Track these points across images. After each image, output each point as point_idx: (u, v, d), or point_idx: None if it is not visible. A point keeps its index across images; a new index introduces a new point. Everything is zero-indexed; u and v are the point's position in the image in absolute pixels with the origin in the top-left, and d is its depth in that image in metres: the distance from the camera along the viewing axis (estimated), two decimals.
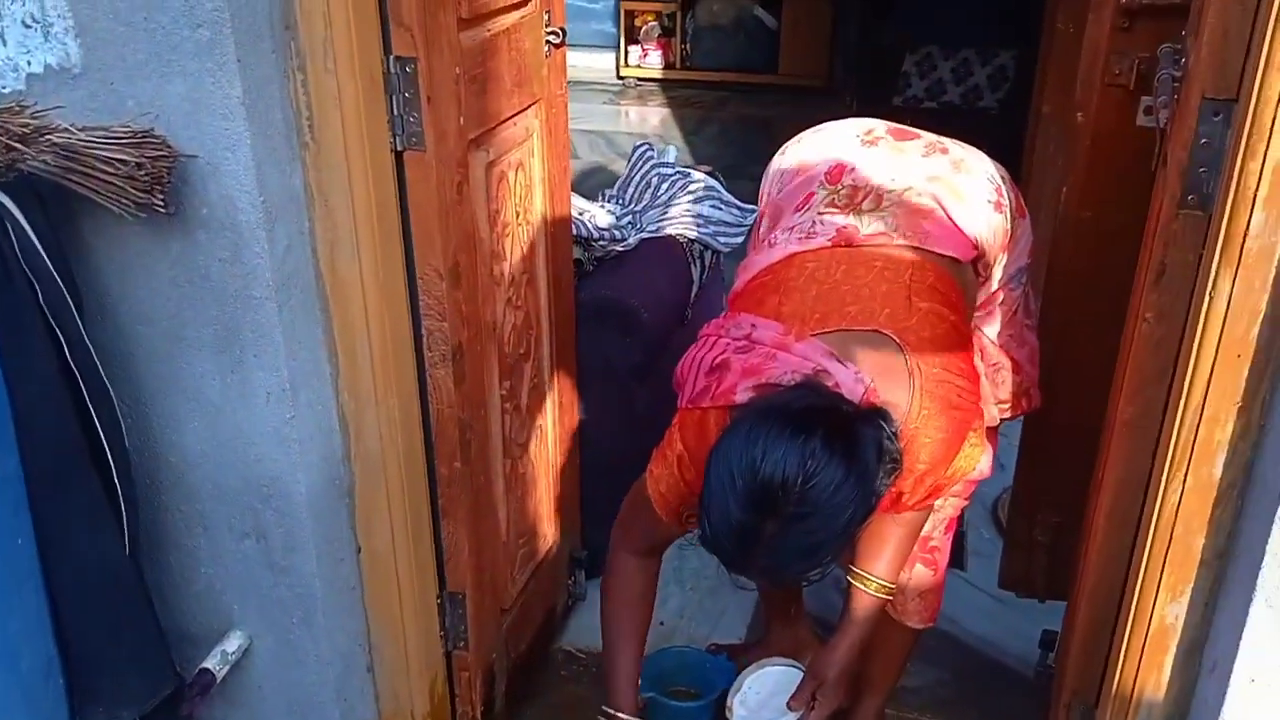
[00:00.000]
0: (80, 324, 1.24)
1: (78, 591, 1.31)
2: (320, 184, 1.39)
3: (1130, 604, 1.35)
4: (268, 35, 1.27)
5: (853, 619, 1.66)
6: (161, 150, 1.21)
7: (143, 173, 1.19)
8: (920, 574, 1.81)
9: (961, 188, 1.61)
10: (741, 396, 1.38)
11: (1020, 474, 2.14)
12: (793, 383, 1.35)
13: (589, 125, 5.13)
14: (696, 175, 3.01)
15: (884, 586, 1.64)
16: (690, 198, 2.89)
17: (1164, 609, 1.30)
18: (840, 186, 1.62)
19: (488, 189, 1.71)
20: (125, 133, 1.21)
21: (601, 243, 2.50)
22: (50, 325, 1.21)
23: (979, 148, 1.74)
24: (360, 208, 1.43)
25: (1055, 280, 1.99)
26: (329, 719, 1.61)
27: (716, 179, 3.06)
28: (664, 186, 2.93)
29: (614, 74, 5.92)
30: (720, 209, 2.89)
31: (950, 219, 1.57)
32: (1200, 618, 1.29)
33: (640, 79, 5.93)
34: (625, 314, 2.31)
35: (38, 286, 1.19)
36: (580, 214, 2.48)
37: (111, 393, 1.29)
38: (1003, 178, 1.67)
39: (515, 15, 1.75)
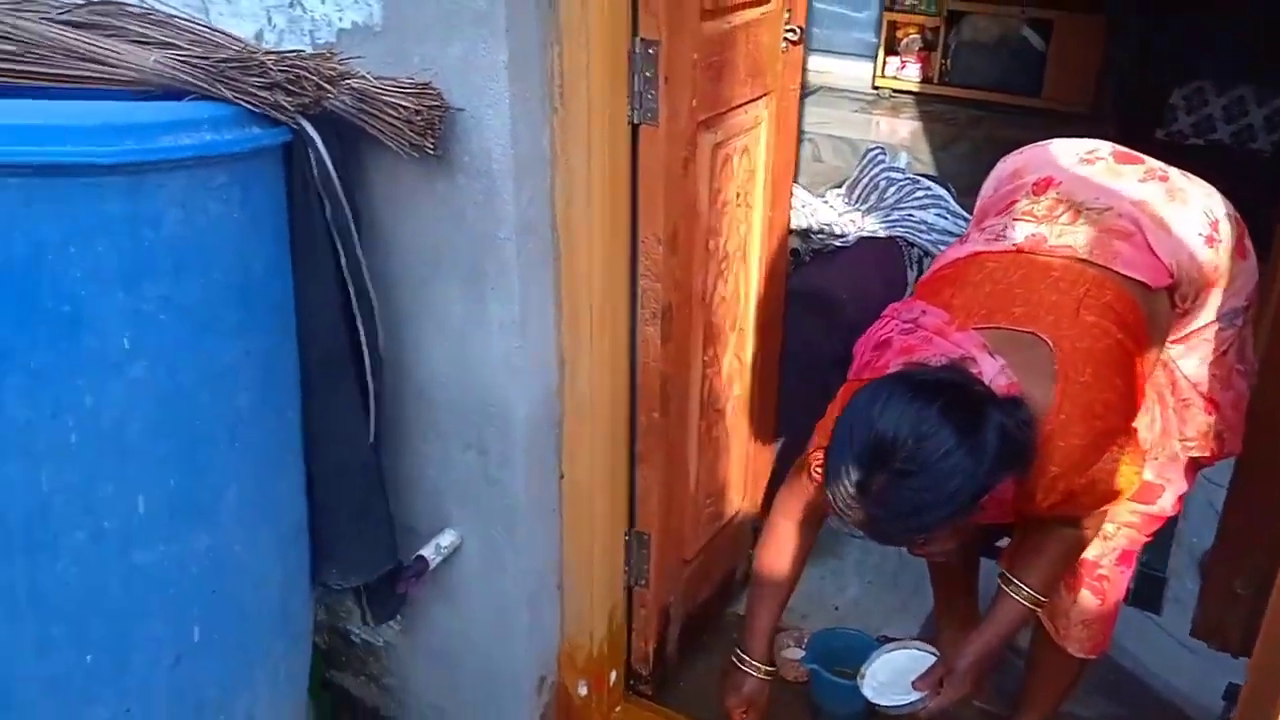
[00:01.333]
0: (357, 243, 1.48)
1: (329, 469, 1.55)
2: (564, 146, 1.58)
3: None
4: (533, 10, 1.47)
5: (993, 619, 1.69)
6: (437, 101, 1.43)
7: (420, 118, 1.42)
8: (1086, 600, 1.81)
9: (1170, 217, 1.61)
10: (895, 370, 1.47)
11: (1225, 521, 2.08)
12: (938, 364, 1.43)
13: (837, 131, 5.18)
14: (925, 183, 3.06)
15: (1032, 596, 1.65)
16: (916, 204, 2.95)
17: None
18: (1043, 198, 1.66)
19: (712, 168, 1.86)
20: (409, 84, 1.43)
21: (820, 236, 2.61)
22: (333, 241, 1.45)
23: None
24: (596, 171, 1.61)
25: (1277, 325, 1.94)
26: (519, 623, 1.81)
27: (947, 189, 3.10)
28: (891, 190, 3.00)
29: (869, 84, 5.94)
30: (945, 218, 2.93)
31: (1149, 244, 1.58)
32: None
33: (895, 90, 5.91)
34: (832, 305, 2.41)
35: (327, 206, 1.43)
36: (803, 206, 2.59)
37: (375, 304, 1.52)
38: (1226, 215, 1.66)
39: (756, 11, 1.89)
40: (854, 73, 6.00)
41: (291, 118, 1.35)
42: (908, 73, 5.91)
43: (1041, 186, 1.69)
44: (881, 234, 2.75)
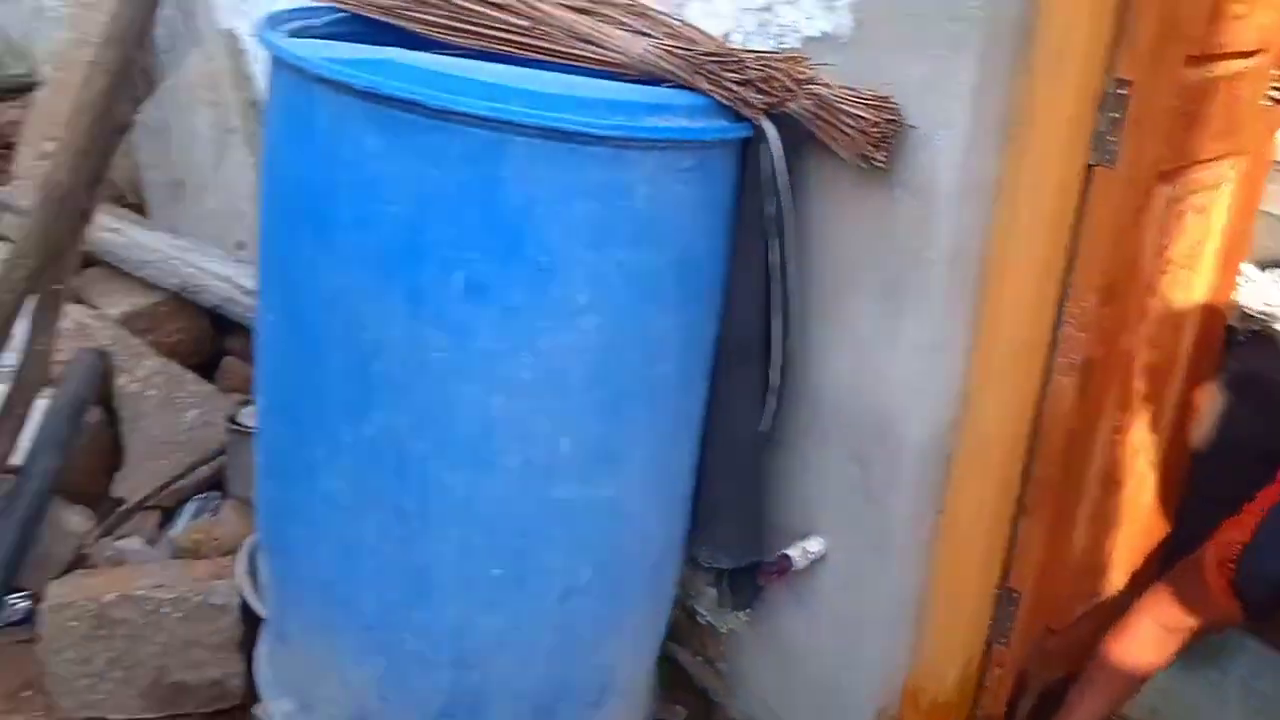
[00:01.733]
0: (791, 241, 1.53)
1: (720, 450, 1.62)
2: (1012, 177, 1.54)
3: None
4: (1008, 38, 1.45)
5: None
6: (895, 116, 1.46)
7: (875, 131, 1.44)
8: None
9: None
10: None
11: None
12: None
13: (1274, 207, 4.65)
14: None
15: None
16: None
17: None
18: None
19: (1163, 223, 1.74)
20: (869, 96, 1.47)
21: (1262, 316, 2.35)
22: (768, 234, 1.52)
23: None
24: (1041, 207, 1.56)
25: None
26: (869, 648, 1.79)
27: None
28: None
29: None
30: None
31: None
32: None
33: None
34: (1267, 393, 2.16)
35: (771, 202, 1.49)
36: (1245, 280, 2.35)
37: (792, 302, 1.58)
38: None
39: (1242, 63, 1.75)
40: None
41: (756, 114, 1.43)
42: None
43: None
44: None
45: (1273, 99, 1.87)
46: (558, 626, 1.47)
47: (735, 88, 1.40)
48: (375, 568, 1.42)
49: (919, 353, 1.59)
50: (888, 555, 1.72)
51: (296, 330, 1.42)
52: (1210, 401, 2.15)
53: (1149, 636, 1.70)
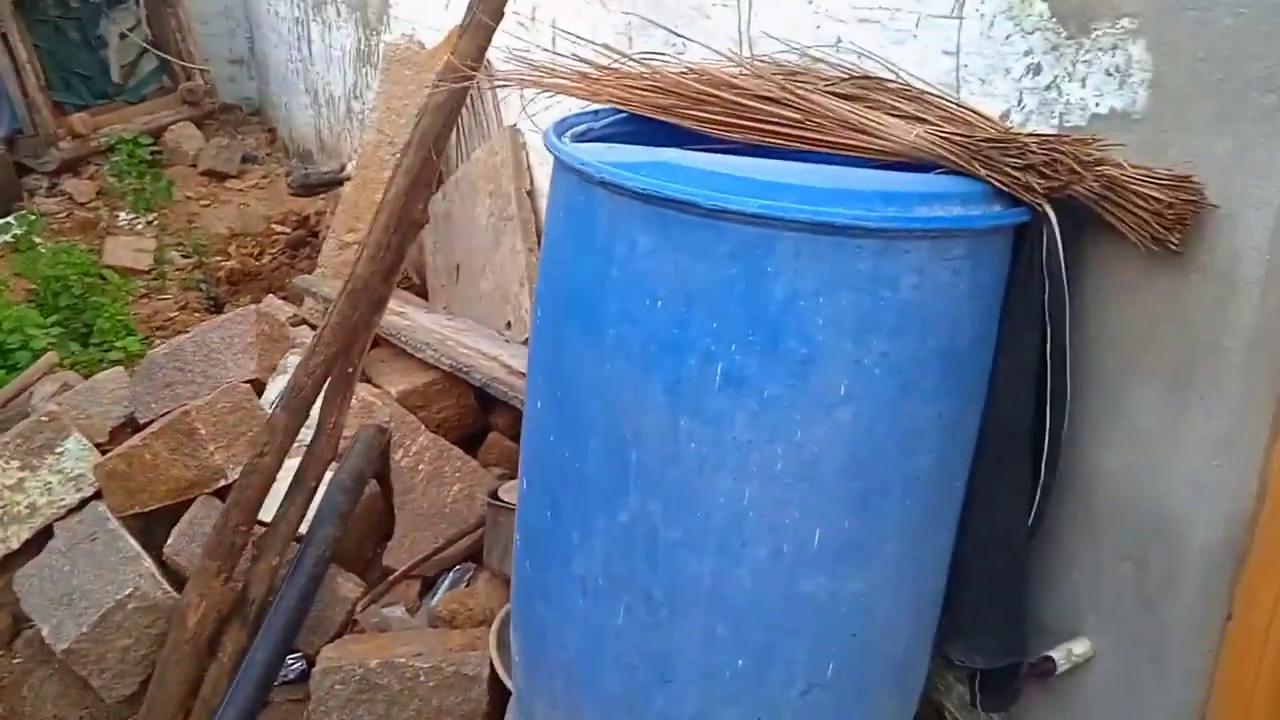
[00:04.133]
0: (1066, 329, 1.43)
1: (980, 543, 1.54)
2: None
3: None
4: None
5: None
6: (1195, 196, 1.33)
7: (1171, 212, 1.33)
8: None
9: None
10: None
11: None
12: None
13: None
14: None
15: None
16: None
17: None
18: None
19: None
20: (1165, 175, 1.35)
21: None
22: (1044, 320, 1.42)
23: None
24: None
25: None
26: None
27: None
28: None
29: None
30: None
31: None
32: None
33: None
34: None
35: (1047, 287, 1.40)
36: None
37: (1069, 392, 1.47)
38: None
39: None
40: None
41: (1037, 199, 1.34)
42: None
43: None
44: None
45: None
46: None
47: (1015, 173, 1.33)
48: (620, 651, 1.44)
49: (1208, 446, 1.45)
50: (1164, 663, 1.57)
51: (560, 417, 1.46)
52: None
53: None
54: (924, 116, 1.47)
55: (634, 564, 1.39)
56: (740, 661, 1.40)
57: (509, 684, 1.81)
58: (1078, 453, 1.60)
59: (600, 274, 1.37)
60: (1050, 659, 1.63)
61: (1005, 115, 1.61)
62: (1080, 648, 1.65)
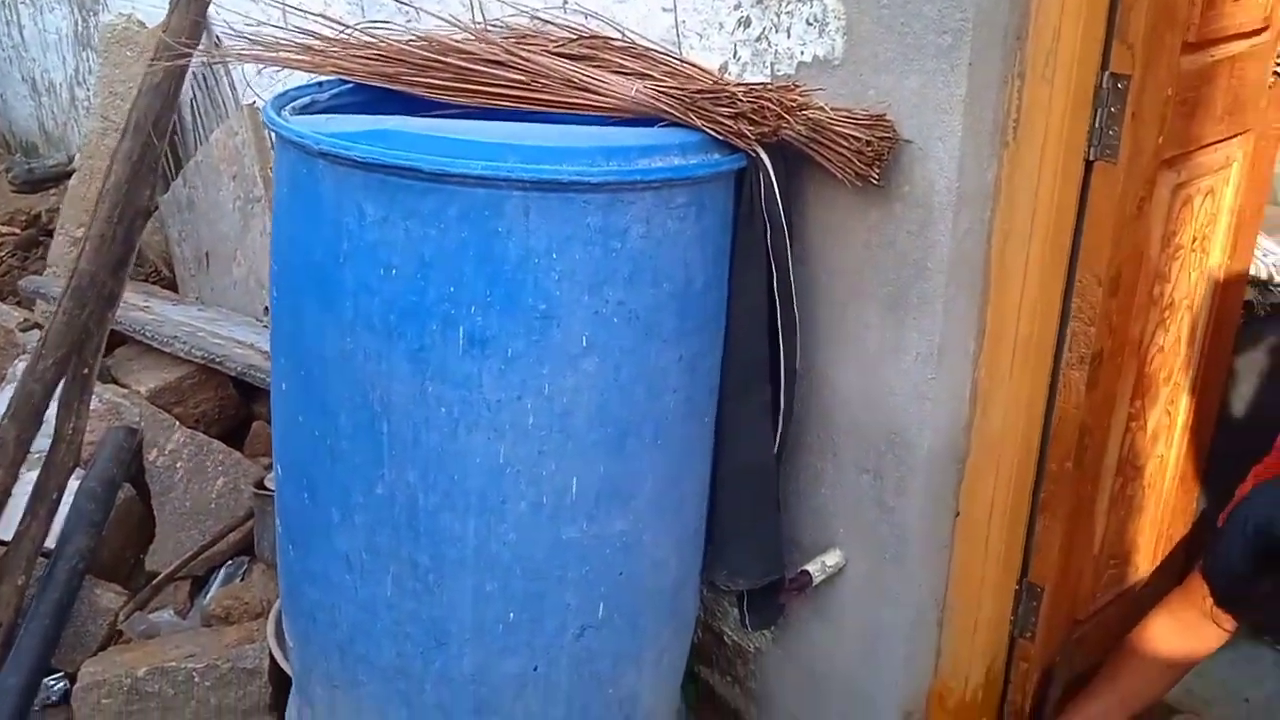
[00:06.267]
0: (789, 264, 1.53)
1: (732, 473, 1.62)
2: (1010, 180, 1.52)
3: None
4: (999, 44, 1.43)
5: None
6: (889, 133, 1.44)
7: (870, 149, 1.43)
8: None
9: None
10: None
11: None
12: None
13: None
14: None
15: None
16: None
17: None
18: None
19: (1169, 210, 1.72)
20: (863, 115, 1.45)
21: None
22: (769, 259, 1.51)
23: None
24: (1041, 207, 1.54)
25: None
26: (893, 653, 1.79)
27: None
28: None
29: None
30: None
31: None
32: None
33: None
34: None
35: (769, 228, 1.49)
36: (1265, 255, 2.32)
37: (798, 323, 1.57)
38: None
39: (1245, 43, 1.72)
40: None
41: (750, 145, 1.42)
42: None
43: None
44: None
45: (1278, 75, 1.83)
46: (576, 665, 1.48)
47: (727, 121, 1.39)
48: (393, 622, 1.44)
49: (924, 360, 1.58)
50: (905, 562, 1.72)
51: (307, 396, 1.44)
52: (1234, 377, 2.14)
53: (1175, 625, 1.71)
54: (648, 73, 1.52)
55: (397, 534, 1.40)
56: (512, 614, 1.43)
57: (289, 671, 1.78)
58: (815, 378, 1.71)
59: (332, 247, 1.35)
60: (807, 573, 1.74)
61: (723, 68, 1.67)
62: (833, 558, 1.77)
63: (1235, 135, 1.81)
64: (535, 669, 1.46)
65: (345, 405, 1.38)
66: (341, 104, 1.60)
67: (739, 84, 1.43)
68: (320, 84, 1.64)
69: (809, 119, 1.44)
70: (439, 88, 1.55)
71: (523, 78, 1.49)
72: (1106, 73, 1.52)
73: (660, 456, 1.48)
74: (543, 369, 1.33)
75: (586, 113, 1.47)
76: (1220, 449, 2.16)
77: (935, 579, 1.78)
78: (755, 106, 1.39)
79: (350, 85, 1.63)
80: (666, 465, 1.49)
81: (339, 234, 1.34)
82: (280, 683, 1.91)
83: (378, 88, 1.59)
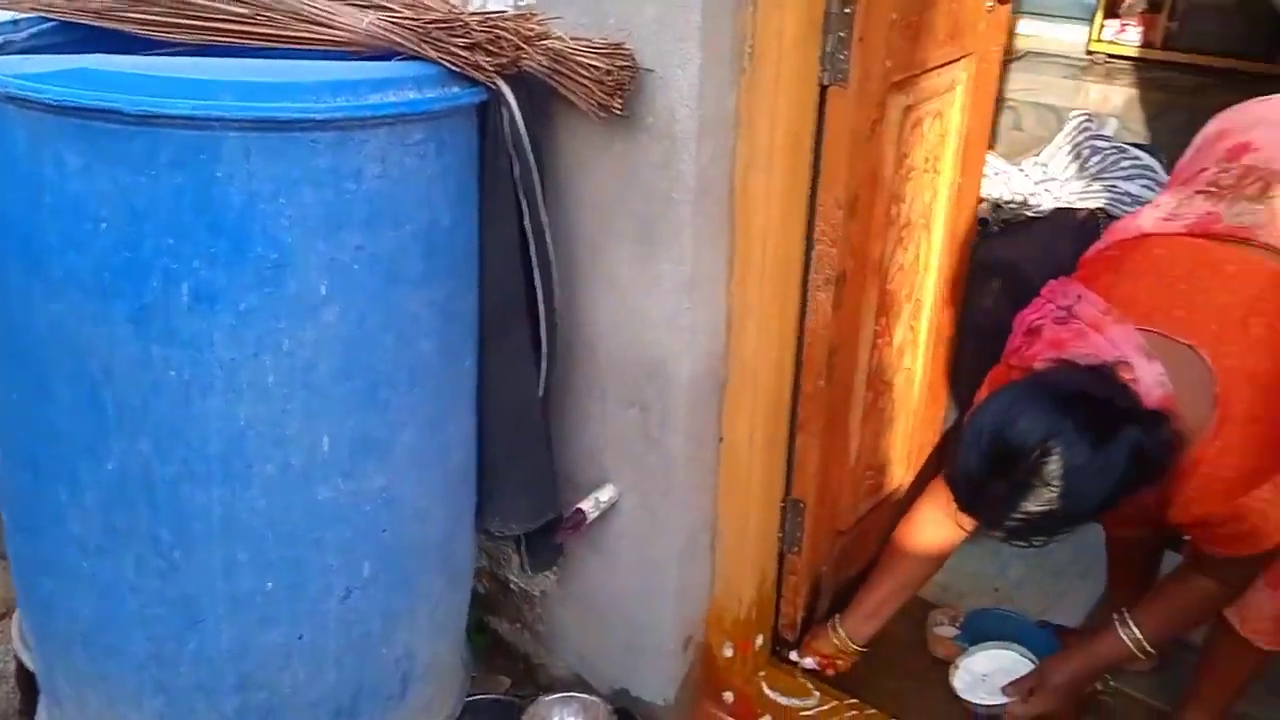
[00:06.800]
0: (540, 201, 1.50)
1: (498, 417, 1.60)
2: (749, 107, 1.55)
3: None
4: None
5: (1094, 648, 1.71)
6: (628, 61, 1.43)
7: (610, 79, 1.41)
8: None
9: None
10: (1039, 366, 1.41)
11: None
12: (1086, 365, 1.36)
13: (1042, 98, 4.93)
14: (1134, 152, 2.87)
15: (1139, 643, 1.65)
16: (1121, 174, 2.77)
17: None
18: (1234, 166, 1.54)
19: (900, 132, 1.79)
20: (602, 44, 1.43)
21: (1012, 205, 2.49)
22: (518, 197, 1.47)
23: None
24: (779, 133, 1.58)
25: None
26: (668, 579, 1.83)
27: (1159, 159, 2.89)
28: (1095, 159, 2.82)
29: (1083, 48, 5.60)
30: (1152, 189, 2.74)
31: None
32: None
33: (1111, 55, 5.54)
34: (1018, 279, 2.30)
35: (515, 163, 1.45)
36: (996, 174, 2.48)
37: (553, 260, 1.54)
38: None
39: None
40: (1066, 37, 5.65)
41: (489, 77, 1.37)
42: (1127, 36, 5.50)
43: (1236, 152, 1.56)
44: (1079, 205, 2.61)
45: (994, 1, 1.93)
46: (344, 628, 1.43)
47: (463, 53, 1.34)
48: (140, 605, 1.34)
49: (677, 290, 1.60)
50: (674, 491, 1.75)
51: (18, 368, 1.30)
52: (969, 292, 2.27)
53: (929, 522, 1.81)
54: (387, 4, 1.44)
55: (134, 510, 1.29)
56: (270, 584, 1.35)
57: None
58: (576, 315, 1.70)
59: (33, 202, 1.22)
60: (581, 511, 1.75)
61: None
62: (606, 494, 1.78)
63: (959, 59, 1.90)
64: (300, 637, 1.40)
65: (63, 375, 1.26)
66: (41, 45, 1.46)
67: (474, 13, 1.37)
68: (16, 22, 1.49)
69: (549, 49, 1.41)
70: (152, 24, 1.42)
71: (246, 11, 1.39)
72: None
73: (418, 406, 1.43)
74: (279, 323, 1.25)
75: (317, 48, 1.38)
76: (963, 359, 2.30)
77: (704, 505, 1.83)
78: (491, 36, 1.35)
79: (52, 24, 1.48)
80: (426, 414, 1.45)
81: (39, 187, 1.20)
82: (29, 685, 1.75)
83: (83, 25, 1.45)
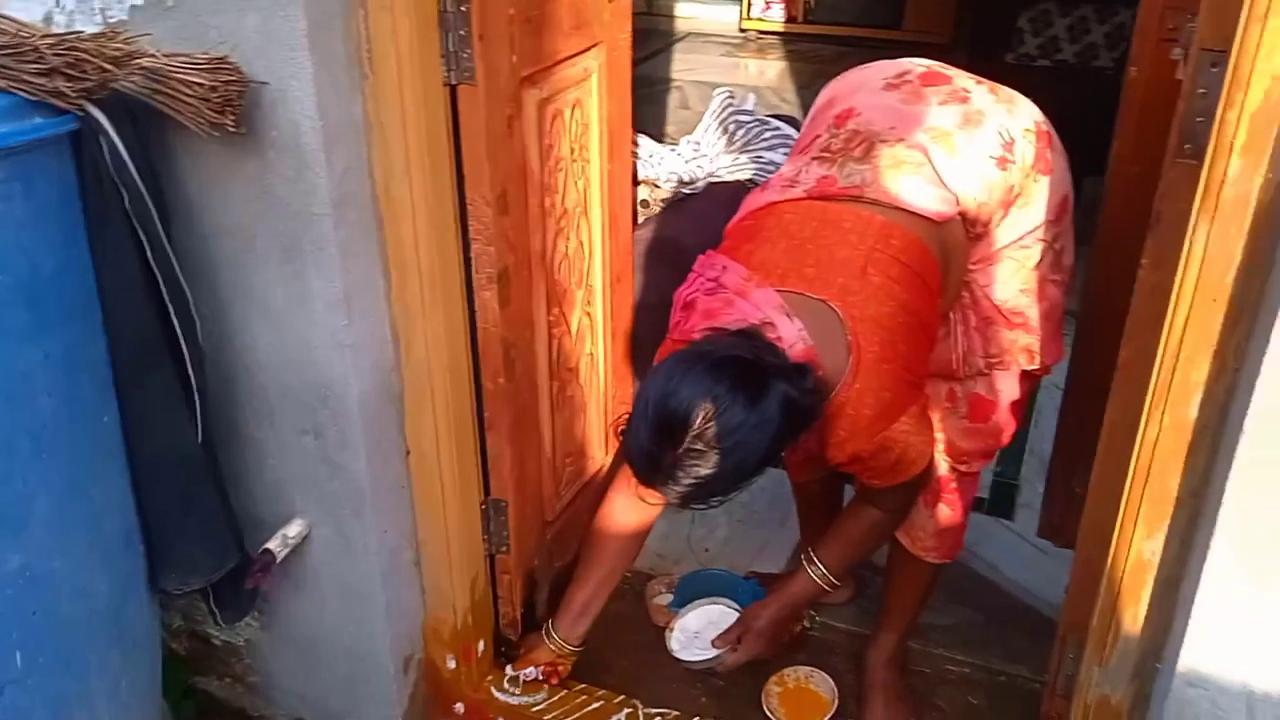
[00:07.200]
0: (161, 230, 1.40)
1: (155, 470, 1.49)
2: (377, 113, 1.52)
3: (1114, 541, 1.41)
4: None
5: (788, 590, 1.83)
6: (234, 75, 1.36)
7: (216, 95, 1.34)
8: (941, 513, 1.88)
9: (960, 142, 1.62)
10: (697, 336, 1.49)
11: (1061, 426, 2.17)
12: (735, 330, 1.45)
13: (704, 76, 5.17)
14: (774, 123, 3.07)
15: (826, 576, 1.78)
16: (764, 145, 2.96)
17: (1141, 545, 1.36)
18: (841, 131, 1.67)
19: (540, 125, 1.82)
20: (204, 59, 1.35)
21: (669, 184, 2.60)
22: (134, 229, 1.37)
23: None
24: (413, 137, 1.56)
25: (1103, 237, 2.01)
26: (376, 604, 1.78)
27: (797, 128, 3.11)
28: (740, 133, 3.00)
29: (735, 27, 5.94)
30: None
31: (937, 175, 1.59)
32: (1176, 555, 1.35)
33: (761, 31, 5.92)
34: (682, 254, 2.40)
35: (124, 194, 1.35)
36: (649, 156, 2.58)
37: (188, 293, 1.45)
38: (1026, 131, 1.66)
39: None
40: (721, 16, 6.01)
41: (76, 104, 1.26)
42: (773, 13, 5.92)
43: (842, 118, 1.69)
44: (730, 178, 2.76)
45: None
46: None
47: (38, 80, 1.23)
48: None
49: (333, 308, 1.55)
50: (365, 513, 1.70)
51: None
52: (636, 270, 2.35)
53: (618, 505, 1.86)
54: None
55: None
56: None
57: None
58: (231, 345, 1.61)
59: None
60: (269, 551, 1.66)
61: (49, 19, 1.47)
62: (294, 529, 1.71)
63: (588, 48, 1.95)
64: None
65: None
66: None
67: (47, 35, 1.26)
68: None
69: (143, 68, 1.32)
70: None
71: None
72: None
73: (50, 471, 1.30)
74: None
75: None
76: (643, 338, 2.38)
77: (401, 522, 1.79)
78: (70, 60, 1.24)
79: None
80: (62, 479, 1.32)
81: None
82: None
83: None
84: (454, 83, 1.61)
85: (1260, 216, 1.15)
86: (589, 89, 1.99)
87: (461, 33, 1.57)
